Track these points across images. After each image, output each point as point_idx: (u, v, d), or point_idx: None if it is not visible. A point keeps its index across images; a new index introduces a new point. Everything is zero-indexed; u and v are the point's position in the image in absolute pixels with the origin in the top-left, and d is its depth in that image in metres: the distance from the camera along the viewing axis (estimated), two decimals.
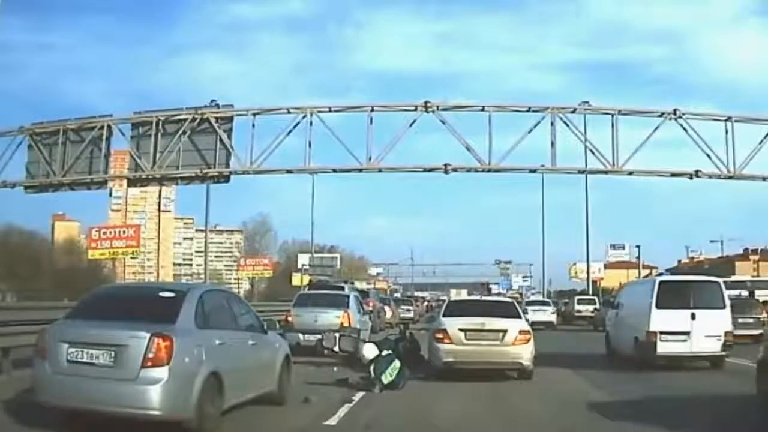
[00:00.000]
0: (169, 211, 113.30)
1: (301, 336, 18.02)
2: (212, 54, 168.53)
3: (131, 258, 39.69)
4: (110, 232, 32.52)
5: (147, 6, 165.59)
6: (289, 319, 19.25)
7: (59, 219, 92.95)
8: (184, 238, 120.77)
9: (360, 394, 11.48)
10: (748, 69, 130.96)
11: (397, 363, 12.49)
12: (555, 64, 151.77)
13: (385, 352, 13.09)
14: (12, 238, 64.47)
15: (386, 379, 12.12)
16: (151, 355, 7.11)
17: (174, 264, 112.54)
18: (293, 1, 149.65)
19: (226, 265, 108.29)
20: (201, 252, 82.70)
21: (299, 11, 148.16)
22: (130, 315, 7.68)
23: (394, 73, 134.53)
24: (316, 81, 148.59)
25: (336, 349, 14.93)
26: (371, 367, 12.38)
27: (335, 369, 14.37)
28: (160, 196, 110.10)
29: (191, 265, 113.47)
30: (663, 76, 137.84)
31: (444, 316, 14.48)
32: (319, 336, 15.91)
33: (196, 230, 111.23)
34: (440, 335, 13.74)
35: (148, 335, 7.16)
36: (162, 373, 7.11)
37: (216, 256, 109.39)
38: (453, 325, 13.77)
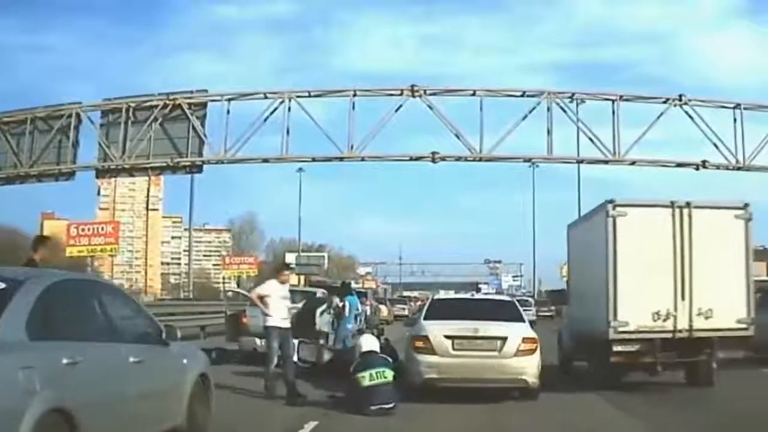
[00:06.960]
0: (157, 210, 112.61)
1: (257, 341, 14.79)
2: (194, 55, 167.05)
3: (110, 256, 38.44)
4: (88, 229, 31.54)
5: (132, 7, 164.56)
6: (244, 320, 16.32)
7: (48, 217, 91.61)
8: (173, 237, 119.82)
9: (313, 424, 8.73)
10: (746, 70, 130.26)
11: (388, 372, 9.85)
12: (545, 65, 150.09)
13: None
14: None
15: (365, 381, 9.58)
16: None
17: (162, 263, 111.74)
18: (278, 3, 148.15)
19: (214, 264, 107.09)
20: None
21: (283, 12, 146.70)
22: None
23: (380, 75, 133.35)
24: (299, 82, 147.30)
25: (295, 358, 11.97)
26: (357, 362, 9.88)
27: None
28: (148, 194, 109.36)
29: (179, 263, 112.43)
30: (657, 77, 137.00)
31: (425, 318, 11.60)
32: None
33: (185, 229, 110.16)
34: (420, 344, 10.73)
35: None
36: None
37: (204, 255, 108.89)
38: (437, 330, 10.80)
